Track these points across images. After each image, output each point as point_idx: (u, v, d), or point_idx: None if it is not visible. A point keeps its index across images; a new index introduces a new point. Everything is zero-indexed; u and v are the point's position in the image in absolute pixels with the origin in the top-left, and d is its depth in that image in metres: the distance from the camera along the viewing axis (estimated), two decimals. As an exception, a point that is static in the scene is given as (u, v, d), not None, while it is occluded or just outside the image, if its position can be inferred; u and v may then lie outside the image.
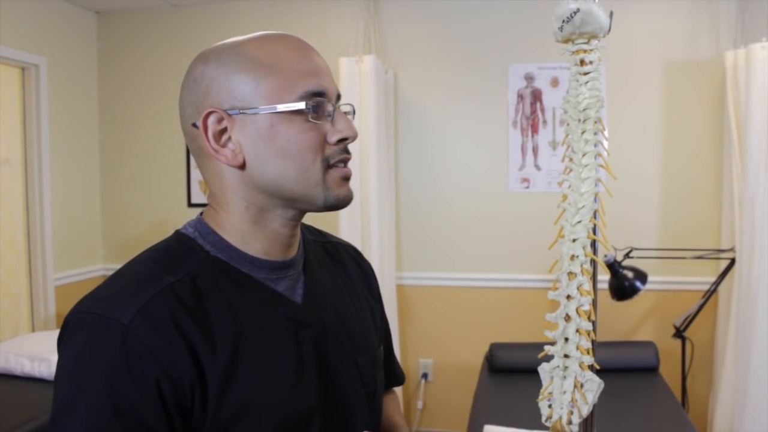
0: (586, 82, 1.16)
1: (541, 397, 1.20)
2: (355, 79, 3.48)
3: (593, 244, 1.27)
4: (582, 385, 1.15)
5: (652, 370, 2.88)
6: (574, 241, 1.14)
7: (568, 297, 1.14)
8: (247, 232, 0.90)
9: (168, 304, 0.81)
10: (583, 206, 1.14)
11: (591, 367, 1.17)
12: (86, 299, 0.82)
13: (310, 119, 0.85)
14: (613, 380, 2.78)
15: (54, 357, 2.72)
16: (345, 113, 0.92)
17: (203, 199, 4.09)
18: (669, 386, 2.73)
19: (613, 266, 3.23)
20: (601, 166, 1.16)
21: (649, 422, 2.18)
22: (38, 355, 2.71)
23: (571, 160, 1.18)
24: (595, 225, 1.20)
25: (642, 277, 3.22)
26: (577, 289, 1.13)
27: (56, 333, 3.01)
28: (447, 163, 3.77)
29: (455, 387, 3.71)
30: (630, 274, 3.22)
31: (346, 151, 0.92)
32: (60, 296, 3.91)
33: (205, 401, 0.80)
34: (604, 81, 3.54)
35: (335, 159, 0.90)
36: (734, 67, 3.18)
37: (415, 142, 3.81)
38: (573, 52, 1.17)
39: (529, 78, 3.60)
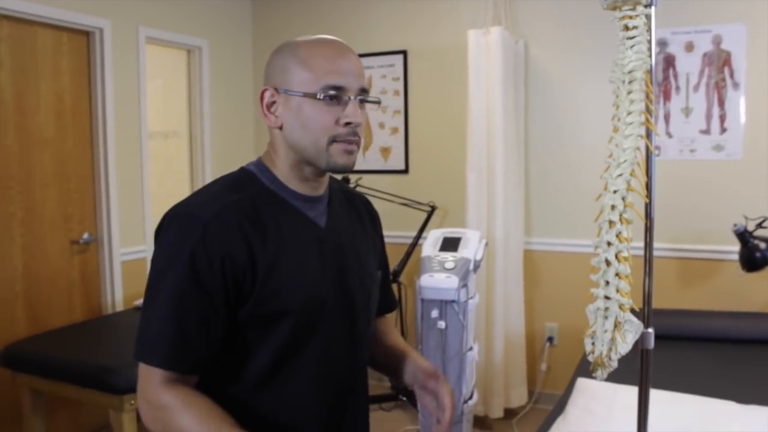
0: (632, 46, 1.27)
1: (586, 334, 1.33)
2: (483, 50, 3.60)
3: (648, 205, 1.36)
4: (620, 325, 1.27)
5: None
6: (614, 192, 1.25)
7: (608, 243, 1.25)
8: (289, 173, 1.23)
9: (234, 212, 1.15)
10: (624, 161, 1.24)
11: (632, 310, 1.28)
12: (179, 205, 1.18)
13: (325, 105, 1.15)
14: (731, 349, 2.75)
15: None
16: (363, 103, 1.19)
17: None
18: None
19: (744, 236, 3.14)
20: (644, 123, 1.25)
21: (754, 387, 2.16)
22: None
23: (618, 119, 1.28)
24: (645, 181, 1.30)
25: (775, 247, 3.10)
26: (616, 236, 1.25)
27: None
28: (578, 130, 3.80)
29: (580, 351, 3.75)
30: (762, 245, 3.12)
31: (354, 134, 1.18)
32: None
33: (254, 280, 1.14)
34: (744, 43, 3.39)
35: (342, 138, 1.17)
36: None
37: (546, 111, 3.87)
38: (619, 18, 1.27)
39: (662, 43, 3.54)
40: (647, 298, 1.39)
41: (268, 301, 1.15)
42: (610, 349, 1.26)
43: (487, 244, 3.36)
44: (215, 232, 1.12)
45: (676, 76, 3.53)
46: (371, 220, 1.42)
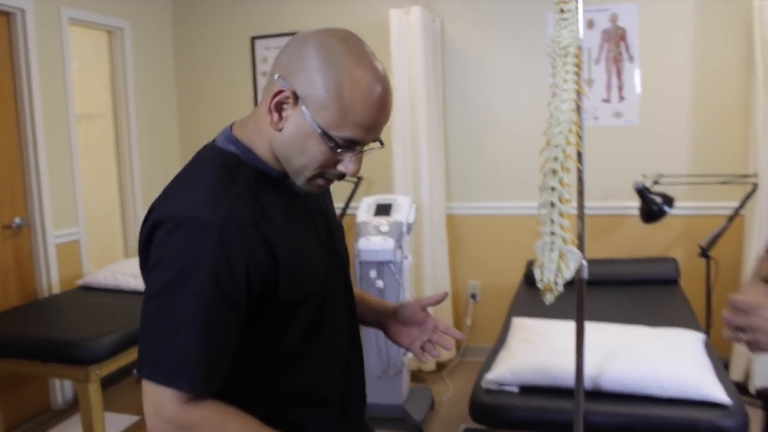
0: (566, 26, 1.51)
1: (535, 265, 1.59)
2: (404, 29, 3.83)
3: (580, 155, 1.63)
4: (564, 256, 1.53)
5: (672, 282, 3.20)
6: (556, 146, 1.50)
7: (552, 189, 1.51)
8: (268, 155, 1.15)
9: (243, 208, 1.08)
10: (563, 120, 1.50)
11: (572, 243, 1.55)
12: (176, 206, 1.08)
13: (332, 149, 1.09)
14: (636, 289, 3.13)
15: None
16: (365, 150, 1.15)
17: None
18: (686, 295, 3.05)
19: (642, 192, 3.54)
20: (577, 90, 1.51)
21: (658, 317, 2.51)
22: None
23: (556, 86, 1.53)
24: (577, 137, 1.56)
25: (669, 201, 3.52)
26: (559, 182, 1.50)
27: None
28: (492, 103, 4.10)
29: (501, 305, 4.09)
30: (658, 199, 3.52)
31: (341, 178, 1.16)
32: (150, 232, 4.45)
33: (277, 273, 1.10)
34: (637, 20, 3.78)
35: (329, 176, 1.15)
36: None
37: (462, 86, 4.15)
38: (556, 3, 1.52)
39: (565, 20, 3.87)
40: (581, 235, 1.67)
41: (294, 288, 1.14)
42: (556, 276, 1.53)
43: (417, 209, 3.61)
44: (233, 237, 1.05)
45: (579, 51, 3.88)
46: (328, 193, 1.44)
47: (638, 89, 3.83)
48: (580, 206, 1.67)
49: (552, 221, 1.51)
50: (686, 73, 3.76)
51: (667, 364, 1.94)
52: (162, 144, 4.67)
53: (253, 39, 4.53)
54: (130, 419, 3.03)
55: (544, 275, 1.55)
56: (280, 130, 1.11)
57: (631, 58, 3.82)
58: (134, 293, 3.20)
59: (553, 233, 1.52)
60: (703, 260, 3.66)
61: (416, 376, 3.99)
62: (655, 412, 1.86)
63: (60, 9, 3.77)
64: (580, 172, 1.64)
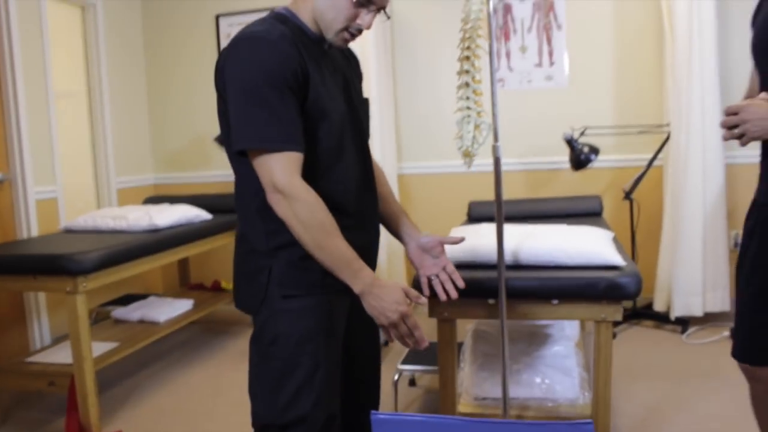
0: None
1: (455, 137, 1.97)
2: None
3: (490, 47, 2.02)
4: (479, 126, 1.92)
5: (596, 214, 3.62)
6: (468, 38, 1.89)
7: (466, 71, 1.89)
8: (310, 20, 1.60)
9: (289, 36, 1.52)
10: (473, 18, 1.88)
11: (484, 115, 1.93)
12: (245, 33, 1.52)
13: (355, 5, 1.53)
14: (563, 221, 3.53)
15: (130, 215, 3.54)
16: (377, 13, 1.59)
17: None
18: (608, 224, 3.47)
19: (571, 142, 3.96)
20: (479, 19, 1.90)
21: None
22: (118, 215, 3.55)
23: (467, 16, 1.92)
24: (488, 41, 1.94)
25: (595, 150, 3.95)
26: (471, 66, 1.89)
27: (120, 211, 3.81)
28: (437, 69, 4.50)
29: (450, 256, 4.48)
30: (585, 148, 3.95)
31: (359, 32, 1.58)
32: (121, 197, 4.76)
33: (307, 86, 1.52)
34: (564, -7, 4.25)
35: (350, 30, 1.56)
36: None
37: (411, 53, 4.56)
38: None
39: (501, -6, 4.31)
40: (495, 113, 2.04)
41: (316, 102, 1.54)
42: (472, 143, 1.91)
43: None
44: (287, 48, 1.47)
45: (513, 20, 4.32)
46: (355, 61, 1.86)
47: (566, 55, 4.27)
48: (493, 93, 2.05)
49: (467, 98, 1.89)
50: (608, 36, 4.22)
51: (573, 240, 2.34)
52: (133, 118, 4.98)
53: (218, 17, 4.88)
54: (111, 345, 3.32)
55: (463, 143, 1.93)
56: None
57: (559, 27, 4.26)
58: (113, 232, 3.50)
59: (468, 108, 1.90)
60: (627, 204, 4.10)
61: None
62: (562, 275, 2.25)
63: (37, -17, 4.07)
64: (491, 65, 2.03)
